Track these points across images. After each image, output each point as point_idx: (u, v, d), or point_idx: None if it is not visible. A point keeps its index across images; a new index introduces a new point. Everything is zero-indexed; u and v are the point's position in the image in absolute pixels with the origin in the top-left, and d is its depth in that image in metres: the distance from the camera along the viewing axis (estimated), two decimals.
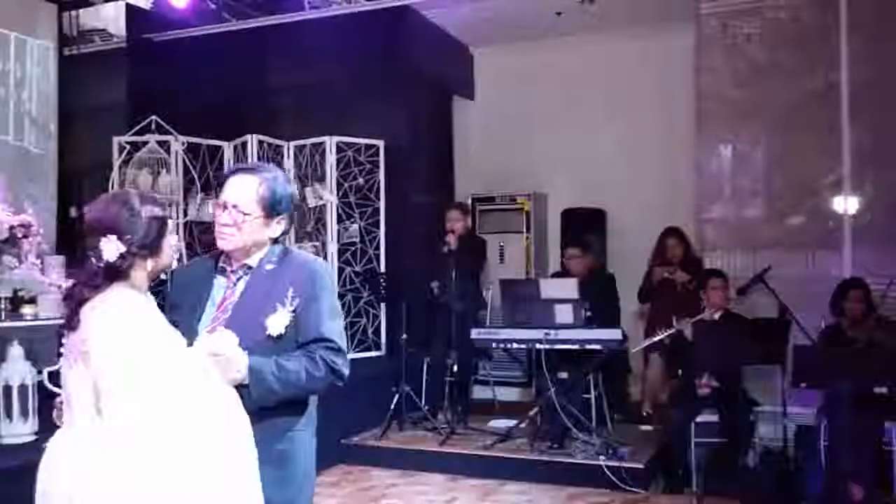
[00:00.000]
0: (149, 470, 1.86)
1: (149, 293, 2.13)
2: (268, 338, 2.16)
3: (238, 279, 2.26)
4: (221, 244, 2.24)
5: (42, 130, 5.52)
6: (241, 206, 2.20)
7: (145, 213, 2.06)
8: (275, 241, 2.30)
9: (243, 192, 2.22)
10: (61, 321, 2.07)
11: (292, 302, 2.17)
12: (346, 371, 2.22)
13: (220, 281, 2.28)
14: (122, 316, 1.96)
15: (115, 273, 2.02)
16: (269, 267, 2.25)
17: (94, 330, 1.96)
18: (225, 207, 2.22)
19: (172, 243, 2.16)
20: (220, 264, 2.30)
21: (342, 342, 2.24)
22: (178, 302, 2.29)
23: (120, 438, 1.88)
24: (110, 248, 2.00)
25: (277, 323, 2.16)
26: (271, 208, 2.23)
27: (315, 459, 2.31)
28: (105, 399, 1.92)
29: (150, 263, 2.08)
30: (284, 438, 2.19)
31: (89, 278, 2.01)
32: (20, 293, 4.17)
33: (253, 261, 2.26)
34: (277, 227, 2.27)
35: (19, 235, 4.32)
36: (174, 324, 2.10)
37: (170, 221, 2.17)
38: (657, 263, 6.28)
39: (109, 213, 2.05)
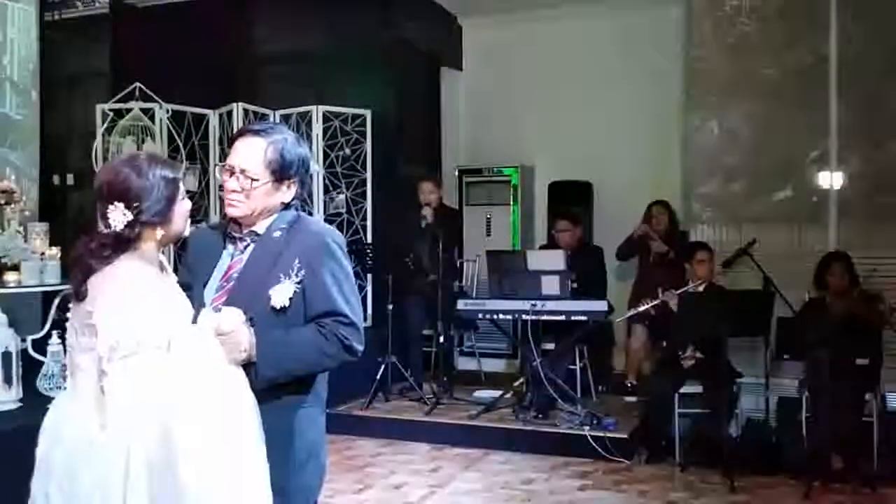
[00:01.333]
0: (147, 444, 1.84)
1: (164, 259, 2.09)
2: (272, 310, 2.05)
3: (245, 247, 2.15)
4: (230, 211, 2.14)
5: (24, 97, 5.42)
6: (249, 170, 2.09)
7: (153, 176, 1.97)
8: (287, 206, 2.17)
9: (251, 156, 2.10)
10: (68, 289, 2.03)
11: (298, 273, 2.05)
12: (360, 347, 2.10)
13: (229, 248, 2.18)
14: (129, 290, 1.92)
15: (125, 243, 1.96)
16: (276, 234, 2.12)
17: (100, 302, 1.92)
18: (232, 173, 2.10)
19: (185, 209, 2.07)
20: (230, 231, 2.18)
21: (355, 316, 2.11)
22: (193, 267, 2.22)
23: (120, 410, 1.87)
24: (117, 215, 1.94)
25: (281, 294, 2.04)
26: (281, 172, 2.11)
27: (324, 437, 2.24)
28: (107, 370, 1.89)
29: (159, 232, 2.01)
30: (289, 415, 2.10)
31: (98, 248, 1.95)
32: (3, 260, 4.12)
33: (261, 227, 2.14)
34: (288, 191, 2.15)
35: (2, 202, 4.27)
36: (189, 287, 2.10)
37: (181, 185, 2.07)
38: (646, 237, 6.30)
39: (118, 177, 1.97)
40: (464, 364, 7.23)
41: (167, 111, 6.51)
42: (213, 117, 6.79)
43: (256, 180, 2.09)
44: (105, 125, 6.45)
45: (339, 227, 6.68)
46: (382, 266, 6.24)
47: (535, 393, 5.56)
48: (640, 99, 7.03)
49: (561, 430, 5.28)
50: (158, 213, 1.99)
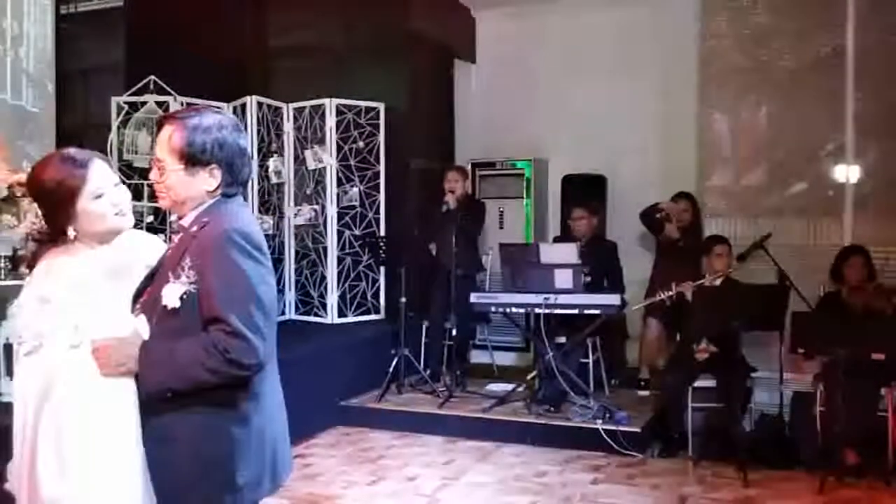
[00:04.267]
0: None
1: (117, 256, 2.12)
2: (164, 310, 1.95)
3: (176, 241, 2.08)
4: (159, 203, 2.12)
5: (40, 89, 5.46)
6: (161, 159, 2.03)
7: (40, 184, 2.08)
8: (229, 196, 2.07)
9: (161, 144, 2.04)
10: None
11: (188, 272, 1.94)
12: (250, 360, 1.91)
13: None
14: (36, 282, 2.05)
15: (46, 238, 2.11)
16: (193, 228, 2.02)
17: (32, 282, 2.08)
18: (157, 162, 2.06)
19: (97, 207, 2.06)
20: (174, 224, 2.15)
21: (244, 323, 1.90)
22: None
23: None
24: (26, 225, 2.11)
25: (171, 294, 1.94)
26: (191, 158, 2.00)
27: (222, 446, 2.00)
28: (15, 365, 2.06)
29: (70, 231, 2.07)
30: (180, 423, 1.97)
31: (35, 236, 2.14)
32: (20, 252, 4.15)
33: (186, 220, 2.06)
34: (211, 178, 2.03)
35: (18, 194, 4.29)
36: None
37: (86, 184, 2.05)
38: (664, 218, 6.17)
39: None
40: (477, 357, 7.23)
41: (182, 104, 6.52)
42: (226, 110, 6.81)
43: (167, 168, 2.03)
44: (120, 118, 6.48)
45: (353, 220, 6.71)
46: (395, 258, 6.24)
47: (547, 386, 5.56)
48: (654, 92, 6.99)
49: (574, 424, 5.27)
50: (53, 218, 2.08)
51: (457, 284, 5.97)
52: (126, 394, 1.98)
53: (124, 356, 1.94)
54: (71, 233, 2.06)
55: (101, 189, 2.07)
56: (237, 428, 2.00)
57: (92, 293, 2.03)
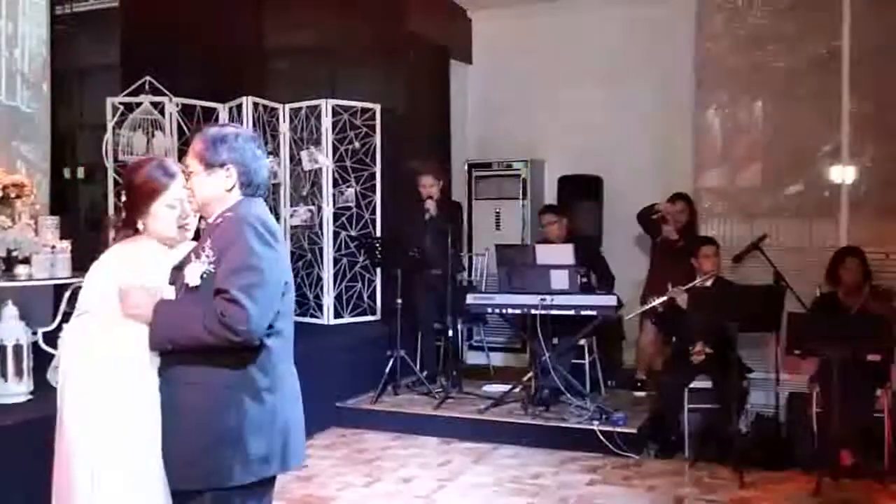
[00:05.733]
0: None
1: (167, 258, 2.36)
2: (187, 287, 2.19)
3: None
4: (190, 207, 2.39)
5: (35, 90, 5.43)
6: (188, 165, 2.32)
7: (137, 177, 2.39)
8: (249, 195, 2.31)
9: (189, 152, 2.35)
10: (78, 282, 2.48)
11: (208, 252, 2.18)
12: (243, 327, 2.07)
13: None
14: (101, 264, 2.33)
15: (122, 228, 2.40)
16: (219, 221, 2.27)
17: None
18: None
19: (166, 213, 2.36)
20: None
21: (241, 293, 2.08)
22: None
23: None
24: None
25: (193, 272, 2.18)
26: (208, 159, 2.28)
27: (233, 417, 2.16)
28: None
29: (140, 224, 2.36)
30: (194, 394, 2.17)
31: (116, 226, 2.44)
32: (14, 253, 4.14)
33: (212, 218, 2.32)
34: (227, 179, 2.29)
35: (13, 195, 4.27)
36: None
37: (166, 191, 2.36)
38: (661, 219, 6.17)
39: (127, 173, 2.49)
40: (473, 358, 7.23)
41: (177, 105, 6.51)
42: (223, 111, 6.79)
43: (192, 172, 2.30)
44: (115, 118, 6.46)
45: (349, 221, 6.70)
46: (391, 259, 6.23)
47: (544, 387, 5.55)
48: (650, 92, 6.99)
49: (570, 425, 5.27)
50: (131, 209, 2.37)
51: (448, 287, 5.95)
52: (140, 367, 2.20)
53: (142, 301, 2.17)
54: (140, 226, 2.35)
55: (176, 201, 2.36)
56: (250, 401, 2.17)
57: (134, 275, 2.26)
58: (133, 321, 2.18)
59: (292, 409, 2.31)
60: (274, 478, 2.31)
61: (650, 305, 5.30)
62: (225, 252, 2.15)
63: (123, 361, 2.18)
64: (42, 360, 4.14)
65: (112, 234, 2.42)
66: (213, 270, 2.15)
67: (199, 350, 2.12)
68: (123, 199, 2.41)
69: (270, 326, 2.17)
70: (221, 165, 2.27)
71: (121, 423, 2.15)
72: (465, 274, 6.88)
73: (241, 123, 6.56)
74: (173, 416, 2.17)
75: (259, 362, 2.18)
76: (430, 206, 6.11)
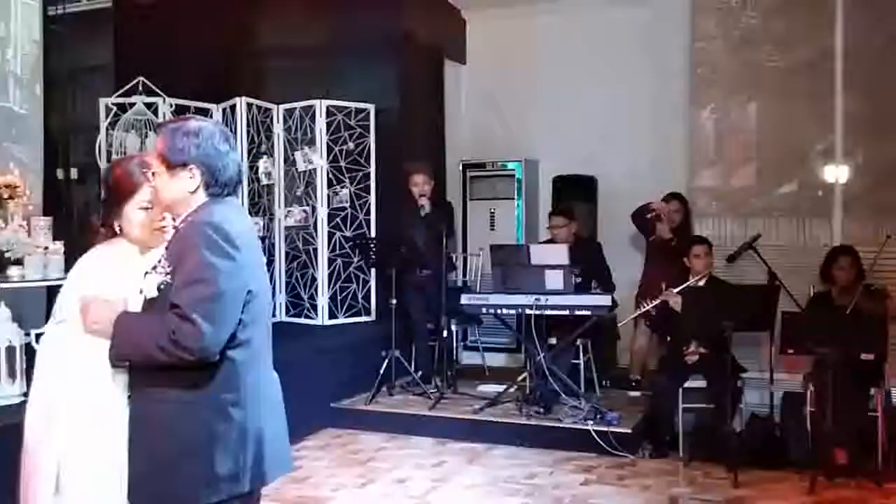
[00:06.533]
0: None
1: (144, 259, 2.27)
2: (145, 300, 2.12)
3: None
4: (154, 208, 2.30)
5: (27, 91, 5.43)
6: (151, 163, 2.20)
7: (111, 178, 2.31)
8: (218, 195, 2.16)
9: (154, 151, 2.22)
10: (55, 281, 2.37)
11: (164, 263, 2.09)
12: (195, 345, 1.96)
13: None
14: (76, 270, 2.28)
15: (99, 228, 2.34)
16: (182, 225, 2.15)
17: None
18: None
19: (137, 215, 2.27)
20: None
21: (193, 309, 1.97)
22: None
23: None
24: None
25: (150, 283, 2.10)
26: (170, 159, 2.13)
27: (196, 434, 2.06)
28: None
29: (116, 225, 2.29)
30: (156, 407, 2.08)
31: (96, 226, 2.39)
32: (7, 255, 4.13)
33: (179, 220, 2.18)
34: (190, 180, 2.13)
35: (5, 196, 4.27)
36: None
37: (137, 192, 2.26)
38: (655, 218, 6.18)
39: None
40: (468, 358, 7.23)
41: (170, 105, 6.50)
42: (216, 112, 6.79)
43: (154, 172, 2.18)
44: (108, 119, 6.45)
45: (343, 221, 6.69)
46: (386, 260, 6.22)
47: (538, 387, 5.55)
48: (644, 93, 7.00)
49: (564, 425, 5.27)
50: (108, 209, 2.30)
51: (442, 286, 5.95)
52: (104, 372, 2.15)
53: (101, 316, 2.09)
54: (116, 228, 2.28)
55: (150, 203, 2.25)
56: (214, 417, 2.06)
57: (97, 280, 2.20)
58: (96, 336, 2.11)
59: (269, 420, 2.17)
60: (252, 492, 2.16)
61: (643, 310, 5.31)
62: (179, 263, 2.04)
63: (98, 376, 2.12)
64: (34, 362, 4.14)
65: (93, 237, 2.37)
66: (169, 281, 2.05)
67: (159, 366, 2.03)
68: (103, 197, 2.34)
69: (233, 338, 2.05)
70: (184, 165, 2.12)
71: (87, 439, 2.10)
72: (458, 274, 6.87)
73: (235, 124, 6.57)
74: (139, 433, 2.10)
75: (222, 377, 2.06)
76: (425, 202, 6.10)
